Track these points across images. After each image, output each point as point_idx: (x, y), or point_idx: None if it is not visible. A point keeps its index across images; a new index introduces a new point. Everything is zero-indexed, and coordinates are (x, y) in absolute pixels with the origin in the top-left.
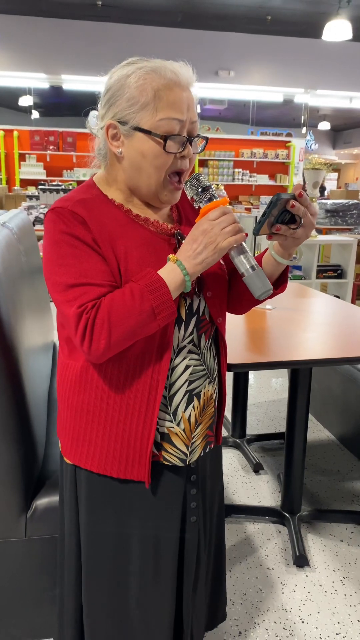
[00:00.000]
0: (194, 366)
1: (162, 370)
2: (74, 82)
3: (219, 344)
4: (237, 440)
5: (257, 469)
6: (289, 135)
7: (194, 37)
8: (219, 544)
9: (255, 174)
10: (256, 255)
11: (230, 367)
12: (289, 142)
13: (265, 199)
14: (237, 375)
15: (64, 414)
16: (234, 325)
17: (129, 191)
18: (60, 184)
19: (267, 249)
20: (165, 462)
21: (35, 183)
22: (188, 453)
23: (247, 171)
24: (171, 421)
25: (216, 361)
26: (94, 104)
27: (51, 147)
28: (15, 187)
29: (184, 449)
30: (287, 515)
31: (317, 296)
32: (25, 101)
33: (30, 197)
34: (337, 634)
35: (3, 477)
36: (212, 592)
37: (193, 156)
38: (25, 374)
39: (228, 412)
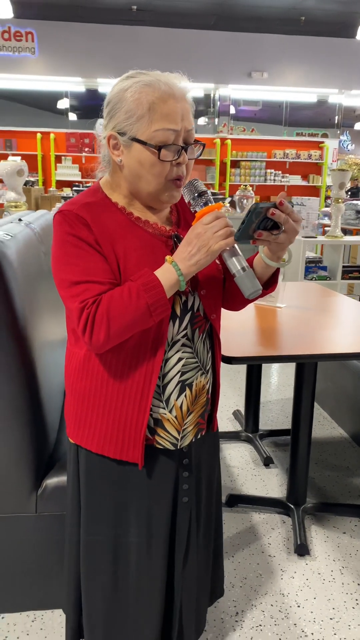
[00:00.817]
0: (186, 358)
1: (156, 361)
2: (109, 85)
3: (213, 339)
4: (250, 435)
5: (267, 462)
6: (324, 135)
7: (227, 39)
8: (217, 525)
9: (287, 175)
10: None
11: (232, 360)
12: (322, 142)
13: (297, 200)
14: (250, 371)
15: (69, 397)
16: (243, 320)
17: (131, 195)
18: None
19: (257, 252)
20: (157, 446)
21: (70, 184)
22: (179, 438)
23: (280, 172)
24: (164, 408)
25: (210, 354)
26: None
27: (86, 149)
28: (51, 189)
29: (175, 434)
30: (291, 506)
31: (330, 296)
32: (62, 104)
33: (65, 198)
34: (331, 618)
35: (15, 457)
36: (211, 569)
37: (190, 162)
38: (39, 363)
39: (242, 407)
